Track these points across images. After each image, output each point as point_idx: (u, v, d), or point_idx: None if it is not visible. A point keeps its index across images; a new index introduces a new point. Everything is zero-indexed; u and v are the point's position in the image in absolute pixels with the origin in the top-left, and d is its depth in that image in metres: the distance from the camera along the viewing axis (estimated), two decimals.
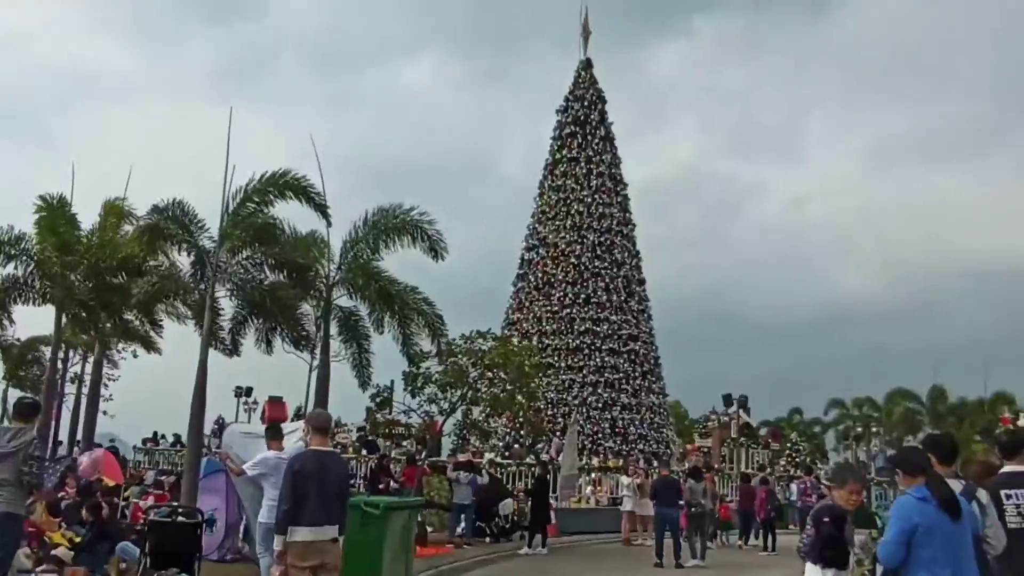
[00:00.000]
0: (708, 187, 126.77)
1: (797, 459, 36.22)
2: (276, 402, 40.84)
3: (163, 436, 42.83)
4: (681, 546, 17.90)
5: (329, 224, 18.05)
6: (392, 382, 20.22)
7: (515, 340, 23.32)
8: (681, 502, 18.86)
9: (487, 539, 20.96)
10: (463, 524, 21.05)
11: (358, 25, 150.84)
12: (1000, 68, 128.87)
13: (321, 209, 17.53)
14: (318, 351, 20.03)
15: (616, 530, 23.45)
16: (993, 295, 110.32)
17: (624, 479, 23.66)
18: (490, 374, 20.38)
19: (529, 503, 20.89)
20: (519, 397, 21.22)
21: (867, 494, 33.68)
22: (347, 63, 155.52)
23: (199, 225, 17.08)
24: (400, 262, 19.91)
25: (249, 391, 41.13)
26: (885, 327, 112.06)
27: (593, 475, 29.02)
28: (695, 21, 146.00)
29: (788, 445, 38.49)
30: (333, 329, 19.57)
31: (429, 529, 20.27)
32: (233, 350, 20.05)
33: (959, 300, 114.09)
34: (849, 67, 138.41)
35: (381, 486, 20.84)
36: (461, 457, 24.64)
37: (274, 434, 10.44)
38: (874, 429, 55.82)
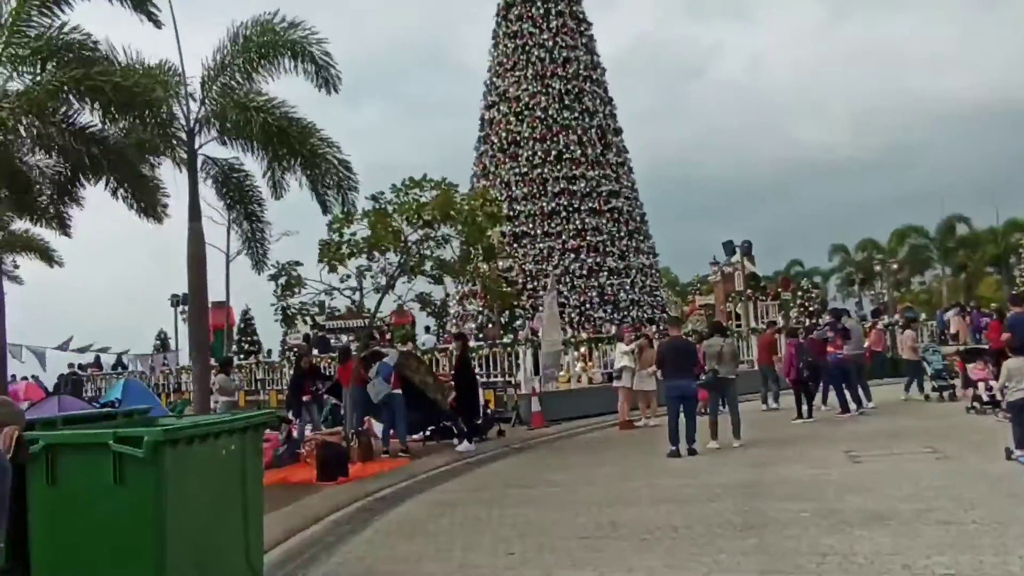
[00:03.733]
0: (666, 54, 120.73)
1: (811, 308, 31.96)
2: (220, 307, 35.95)
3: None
4: (696, 427, 13.56)
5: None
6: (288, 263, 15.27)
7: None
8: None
9: (456, 440, 16.47)
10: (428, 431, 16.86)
11: None
12: None
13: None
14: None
15: (613, 411, 19.20)
16: (967, 137, 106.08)
17: (621, 346, 19.21)
18: (432, 231, 15.64)
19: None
20: (476, 260, 16.50)
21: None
22: None
23: None
24: None
25: (186, 299, 36.08)
26: (860, 177, 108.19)
27: (582, 349, 24.62)
28: None
29: (800, 293, 34.24)
30: (209, 191, 14.82)
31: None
32: (61, 224, 15.18)
33: (935, 145, 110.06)
34: None
35: (306, 397, 16.33)
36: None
37: None
38: (877, 269, 51.39)
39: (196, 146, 13.62)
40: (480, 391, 18.44)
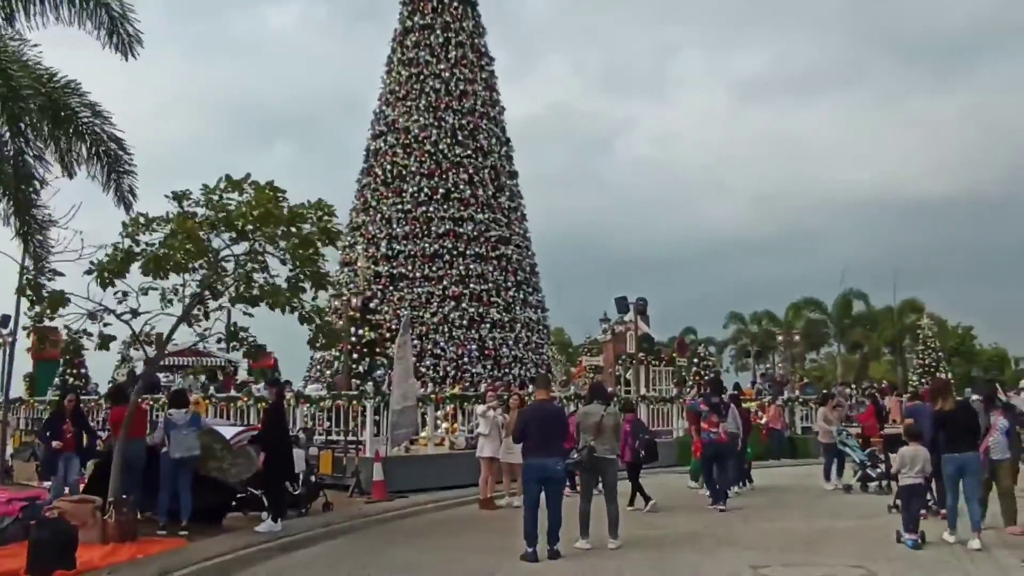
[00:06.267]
0: (577, 125, 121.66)
1: (706, 376, 29.21)
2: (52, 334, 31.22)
3: None
4: (561, 521, 10.27)
5: None
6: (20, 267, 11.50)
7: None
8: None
9: (264, 514, 12.78)
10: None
11: None
12: (853, 4, 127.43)
13: None
14: None
15: (477, 483, 15.80)
16: (862, 226, 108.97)
17: (479, 408, 15.98)
18: (251, 244, 12.14)
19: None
20: (306, 287, 12.91)
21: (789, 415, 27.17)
22: (210, 9, 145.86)
23: None
24: None
25: (5, 320, 30.94)
26: (758, 256, 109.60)
27: (448, 407, 21.18)
28: None
29: (696, 360, 31.61)
30: None
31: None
32: None
33: (831, 231, 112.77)
34: (709, 9, 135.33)
35: (56, 442, 12.50)
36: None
37: None
38: (780, 338, 49.79)
39: None
40: (303, 452, 14.85)
